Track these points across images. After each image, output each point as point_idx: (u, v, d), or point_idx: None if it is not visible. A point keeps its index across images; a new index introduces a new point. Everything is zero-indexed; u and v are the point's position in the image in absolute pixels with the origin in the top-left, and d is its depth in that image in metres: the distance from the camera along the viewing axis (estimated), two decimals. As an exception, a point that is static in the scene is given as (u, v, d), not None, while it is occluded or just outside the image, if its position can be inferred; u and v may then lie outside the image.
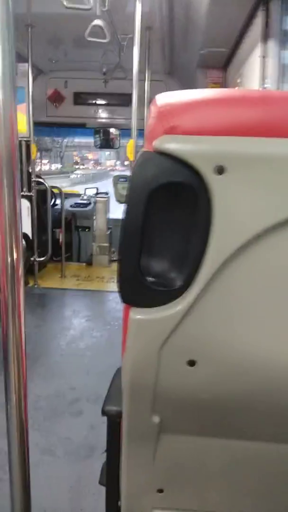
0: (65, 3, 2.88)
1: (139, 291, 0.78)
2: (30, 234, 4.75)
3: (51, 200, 5.26)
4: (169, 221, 0.77)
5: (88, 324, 3.99)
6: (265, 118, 0.72)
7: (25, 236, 4.64)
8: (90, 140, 6.67)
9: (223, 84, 4.42)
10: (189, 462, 0.98)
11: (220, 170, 0.69)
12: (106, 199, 6.04)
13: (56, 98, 5.92)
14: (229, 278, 0.75)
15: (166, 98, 0.76)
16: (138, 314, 0.79)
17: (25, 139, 4.66)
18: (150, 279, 0.77)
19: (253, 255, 0.73)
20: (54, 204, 5.76)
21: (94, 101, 6.01)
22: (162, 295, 0.77)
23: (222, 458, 0.97)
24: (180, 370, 0.81)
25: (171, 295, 0.77)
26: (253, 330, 0.79)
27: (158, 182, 0.71)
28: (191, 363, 0.81)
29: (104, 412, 1.06)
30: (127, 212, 0.75)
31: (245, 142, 0.70)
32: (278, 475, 0.99)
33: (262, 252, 0.73)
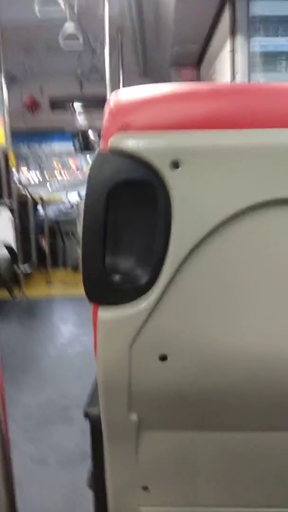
0: (36, 10, 2.87)
1: (105, 289, 0.78)
2: (13, 245, 4.71)
3: (34, 208, 5.23)
4: (131, 218, 0.77)
5: (77, 331, 3.96)
6: (215, 111, 0.73)
7: (8, 247, 4.60)
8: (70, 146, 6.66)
9: (197, 81, 4.44)
10: (173, 457, 0.98)
11: (175, 165, 0.70)
12: None
13: (32, 105, 5.89)
14: (193, 271, 0.75)
15: (119, 96, 0.76)
16: (106, 313, 0.79)
17: (2, 148, 4.63)
18: (115, 277, 0.77)
19: (214, 246, 0.74)
20: (36, 212, 5.73)
21: (71, 106, 6.00)
22: (129, 292, 0.77)
23: (206, 451, 0.97)
24: (152, 365, 0.81)
25: (137, 292, 0.77)
26: (220, 320, 0.79)
27: (115, 181, 0.72)
28: (163, 357, 0.80)
29: (86, 415, 1.05)
30: (86, 212, 0.74)
31: (198, 135, 0.71)
32: (265, 465, 0.98)
33: (222, 243, 0.74)
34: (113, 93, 0.79)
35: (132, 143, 0.70)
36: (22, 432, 2.43)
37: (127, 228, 0.78)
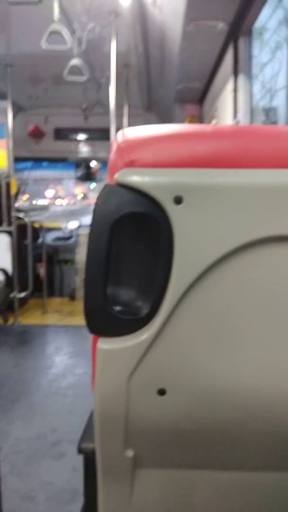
0: (43, 45, 2.96)
1: (105, 320, 0.78)
2: (10, 270, 4.69)
3: (33, 235, 5.23)
4: (134, 251, 0.79)
5: (71, 362, 3.89)
6: (217, 151, 0.77)
7: (4, 271, 4.58)
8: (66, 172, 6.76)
9: (199, 117, 4.55)
10: (170, 497, 0.95)
11: (178, 200, 0.72)
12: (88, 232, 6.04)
13: (37, 134, 6.00)
14: (194, 304, 0.76)
15: (126, 134, 0.80)
16: (105, 344, 0.79)
17: (4, 175, 4.68)
18: (116, 308, 0.78)
19: (214, 280, 0.75)
20: (36, 239, 5.73)
21: (74, 136, 6.11)
22: (129, 323, 0.77)
23: (204, 491, 0.94)
24: (150, 400, 0.80)
25: (138, 323, 0.77)
26: (220, 356, 0.79)
27: (120, 213, 0.74)
28: (161, 392, 0.80)
29: (80, 450, 1.04)
30: (91, 242, 0.76)
31: (200, 173, 0.74)
32: (265, 506, 0.95)
33: (223, 278, 0.75)
34: (121, 131, 0.83)
35: (137, 178, 0.73)
36: (10, 467, 2.35)
37: (130, 259, 0.79)
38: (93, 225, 0.76)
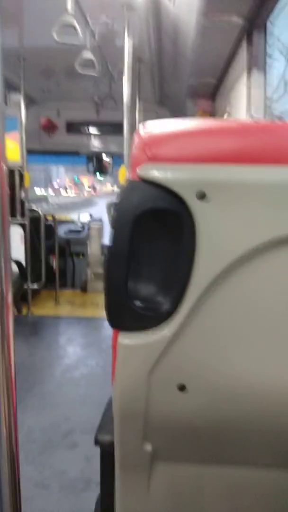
0: (56, 38, 2.96)
1: (126, 315, 0.78)
2: (23, 261, 4.74)
3: (47, 229, 5.26)
4: (156, 246, 0.79)
5: (83, 352, 3.94)
6: (241, 147, 0.76)
7: (18, 263, 4.63)
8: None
9: (212, 112, 4.52)
10: (187, 491, 0.96)
11: (201, 196, 0.72)
12: (99, 225, 6.08)
13: (49, 127, 6.01)
14: (215, 301, 0.76)
15: (148, 128, 0.79)
16: (126, 339, 0.79)
17: (18, 167, 4.71)
18: (137, 303, 0.78)
19: (237, 277, 0.75)
20: (51, 235, 5.76)
21: (86, 130, 6.11)
22: (150, 319, 0.78)
23: (222, 486, 0.95)
24: (170, 395, 0.81)
25: (159, 319, 0.77)
26: (242, 353, 0.79)
27: (143, 208, 0.74)
28: (181, 387, 0.80)
29: (97, 442, 1.04)
30: (114, 237, 0.76)
31: (224, 169, 0.73)
32: (275, 502, 0.96)
33: (245, 275, 0.75)
34: (142, 124, 0.82)
35: (160, 173, 0.73)
36: (24, 455, 2.41)
37: (152, 255, 0.79)
38: (116, 219, 0.76)
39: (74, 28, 2.95)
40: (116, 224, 0.76)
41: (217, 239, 0.74)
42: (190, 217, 0.73)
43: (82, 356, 3.86)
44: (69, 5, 2.90)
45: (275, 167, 0.73)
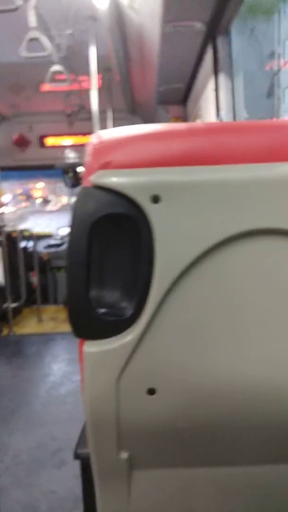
0: (22, 53, 2.95)
1: (90, 323, 0.78)
2: (2, 280, 4.66)
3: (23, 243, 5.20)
4: (115, 252, 0.79)
5: (68, 368, 3.87)
6: (191, 149, 0.77)
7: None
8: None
9: (184, 118, 4.56)
10: (170, 497, 0.94)
11: (155, 199, 0.73)
12: None
13: (22, 143, 5.98)
14: (178, 302, 0.76)
15: (99, 136, 0.80)
16: (92, 347, 0.79)
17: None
18: (100, 310, 0.78)
19: (196, 276, 0.75)
20: (25, 247, 5.69)
21: (60, 143, 6.10)
22: (114, 325, 0.77)
23: (205, 487, 0.94)
24: (140, 400, 0.80)
25: (123, 325, 0.77)
26: (206, 351, 0.79)
27: (98, 215, 0.74)
28: (151, 391, 0.80)
29: (77, 456, 1.04)
30: (71, 246, 0.76)
31: (176, 171, 0.74)
32: (264, 500, 0.95)
33: (204, 273, 0.75)
34: (95, 133, 0.83)
35: (113, 179, 0.74)
36: (12, 479, 2.33)
37: (112, 261, 0.79)
38: (72, 228, 0.75)
39: (40, 42, 2.94)
40: (72, 231, 0.75)
41: (174, 240, 0.74)
42: (146, 220, 0.73)
43: (67, 372, 3.79)
44: (33, 19, 2.89)
45: (225, 167, 0.75)
